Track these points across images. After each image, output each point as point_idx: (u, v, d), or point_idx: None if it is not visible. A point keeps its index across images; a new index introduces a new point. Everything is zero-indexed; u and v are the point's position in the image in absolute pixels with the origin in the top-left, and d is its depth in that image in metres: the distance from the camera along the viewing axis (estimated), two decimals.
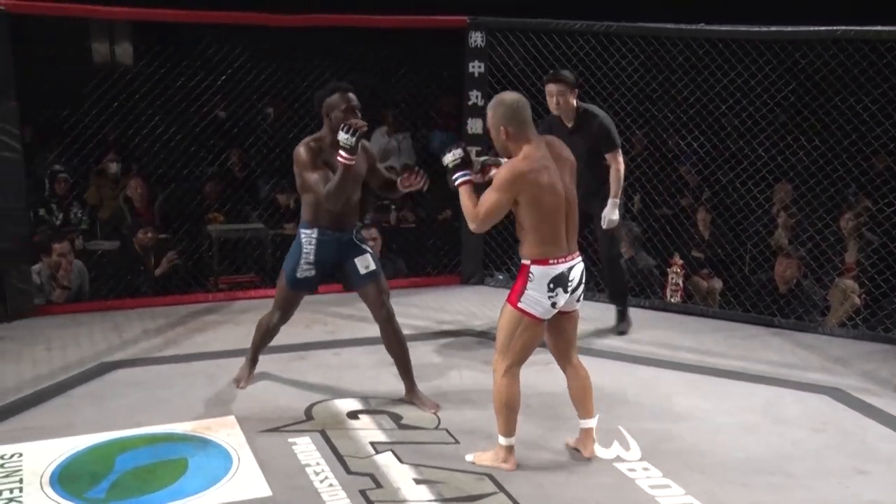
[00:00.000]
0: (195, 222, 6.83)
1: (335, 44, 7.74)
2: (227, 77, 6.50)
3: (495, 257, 6.57)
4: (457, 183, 3.65)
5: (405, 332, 5.40)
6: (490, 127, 3.65)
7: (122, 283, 6.18)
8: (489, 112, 3.65)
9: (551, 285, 3.61)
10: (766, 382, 4.88)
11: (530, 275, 3.61)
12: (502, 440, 3.80)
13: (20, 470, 3.67)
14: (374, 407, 4.40)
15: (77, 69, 9.36)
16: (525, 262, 3.64)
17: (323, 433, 4.07)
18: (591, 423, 3.92)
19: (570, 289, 3.67)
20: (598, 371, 4.89)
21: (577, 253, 3.73)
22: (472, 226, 3.66)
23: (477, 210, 3.59)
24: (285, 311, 4.51)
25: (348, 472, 3.74)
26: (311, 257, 4.30)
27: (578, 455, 3.92)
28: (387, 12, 6.45)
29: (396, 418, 4.28)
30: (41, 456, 3.78)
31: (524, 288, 3.62)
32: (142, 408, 4.30)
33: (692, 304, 6.17)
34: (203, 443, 3.96)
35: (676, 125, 6.66)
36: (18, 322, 5.45)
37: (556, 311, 3.67)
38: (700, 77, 6.10)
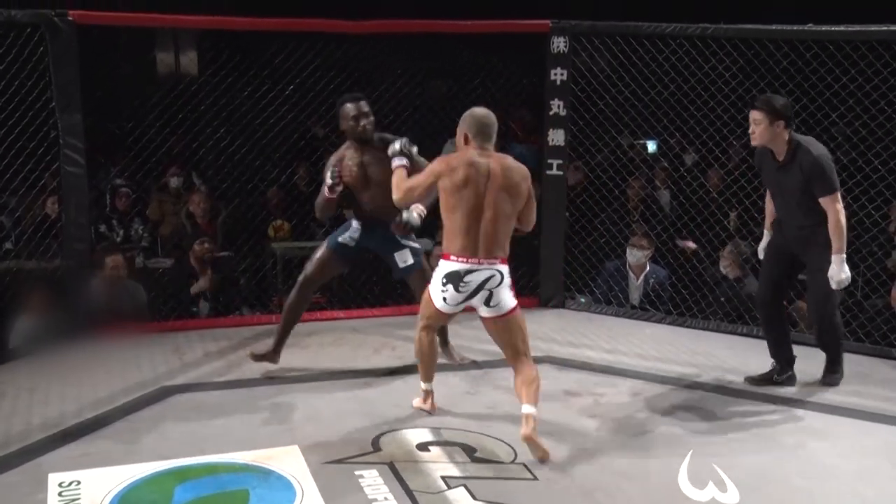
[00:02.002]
0: (259, 239, 6.96)
1: (408, 51, 7.81)
2: (294, 87, 6.61)
3: (577, 278, 6.53)
4: (394, 166, 4.45)
5: (481, 357, 5.43)
6: (457, 132, 4.36)
7: (183, 302, 6.32)
8: (461, 122, 4.35)
9: (444, 280, 4.27)
10: (884, 421, 4.71)
11: (438, 265, 4.34)
12: (422, 384, 4.68)
13: (78, 499, 3.75)
14: (445, 438, 4.39)
15: (141, 80, 9.67)
16: (442, 247, 4.42)
17: (391, 466, 4.08)
18: (530, 409, 4.24)
19: (462, 291, 4.25)
20: (694, 404, 4.86)
21: (493, 262, 4.26)
22: (395, 195, 4.40)
23: (403, 184, 4.37)
24: (317, 270, 5.17)
25: None
26: (357, 235, 5.09)
27: (674, 499, 3.86)
28: (464, 17, 6.49)
29: (469, 451, 4.26)
30: (100, 484, 3.86)
31: (435, 274, 4.37)
32: (203, 435, 4.38)
33: (797, 332, 6.01)
34: (265, 473, 4.01)
35: None
36: (76, 345, 5.58)
37: (450, 306, 4.35)
38: (807, 83, 5.97)
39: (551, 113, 6.34)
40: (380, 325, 6.15)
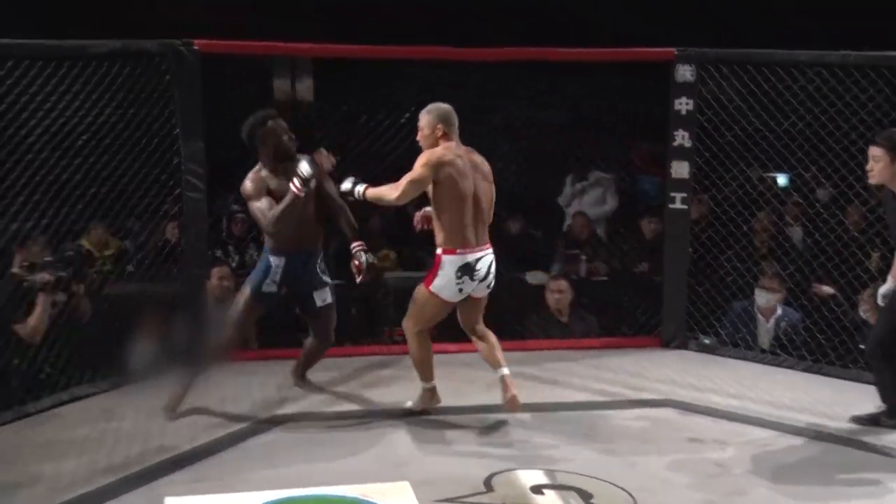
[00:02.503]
0: (370, 269, 6.99)
1: (523, 79, 7.80)
2: (410, 115, 6.66)
3: (701, 318, 6.34)
4: (362, 191, 4.75)
5: (598, 398, 5.33)
6: (424, 126, 4.70)
7: (292, 330, 6.37)
8: (426, 115, 4.69)
9: (459, 273, 4.65)
10: None
11: (442, 263, 4.65)
12: (425, 384, 4.96)
13: None
14: (560, 482, 4.30)
15: (258, 107, 9.90)
16: (438, 251, 4.68)
17: None
18: (505, 370, 4.86)
19: (476, 277, 4.72)
20: (831, 458, 4.64)
21: (487, 246, 4.77)
22: (393, 196, 4.62)
23: (393, 186, 4.62)
24: (245, 318, 5.06)
25: None
26: (278, 277, 4.91)
27: None
28: (582, 45, 6.44)
29: (586, 496, 4.16)
30: None
31: (435, 275, 4.68)
32: (312, 466, 4.40)
33: None
34: None
35: None
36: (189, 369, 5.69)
37: (463, 295, 4.73)
38: None
39: (675, 144, 6.21)
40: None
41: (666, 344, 6.39)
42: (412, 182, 4.60)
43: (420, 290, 4.80)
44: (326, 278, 5.10)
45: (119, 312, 5.56)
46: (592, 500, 4.13)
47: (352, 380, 5.64)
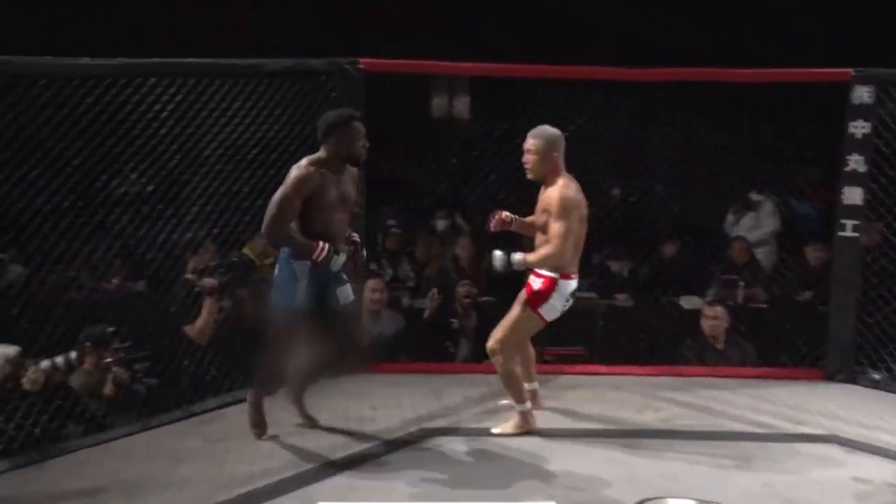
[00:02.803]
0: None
1: (682, 98, 7.69)
2: (569, 135, 6.68)
3: (871, 352, 6.06)
4: (521, 262, 4.83)
5: (755, 429, 5.21)
6: (538, 151, 4.76)
7: (441, 344, 6.47)
8: (539, 140, 4.77)
9: (568, 297, 4.87)
10: None
11: (557, 286, 4.77)
12: (518, 407, 5.01)
13: None
14: None
15: (416, 124, 10.14)
16: (553, 274, 4.77)
17: None
18: (536, 385, 5.36)
19: (570, 300, 4.93)
20: None
21: None
22: (557, 252, 4.71)
23: (556, 243, 4.70)
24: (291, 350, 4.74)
25: None
26: (306, 282, 4.53)
27: None
28: (749, 66, 6.31)
29: None
30: None
31: (547, 298, 4.80)
32: (459, 481, 4.47)
33: None
34: None
35: None
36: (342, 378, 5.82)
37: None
38: None
39: (848, 169, 5.95)
40: (643, 384, 6.04)
41: (830, 377, 6.14)
42: (569, 233, 4.72)
43: (524, 311, 4.89)
44: (346, 276, 4.73)
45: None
46: None
47: (499, 395, 5.64)
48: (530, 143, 4.79)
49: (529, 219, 5.07)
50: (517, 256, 4.81)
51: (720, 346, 6.28)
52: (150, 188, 5.63)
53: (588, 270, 7.65)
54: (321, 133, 4.54)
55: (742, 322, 6.60)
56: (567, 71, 6.30)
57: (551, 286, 4.77)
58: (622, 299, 7.16)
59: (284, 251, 4.52)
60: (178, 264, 5.63)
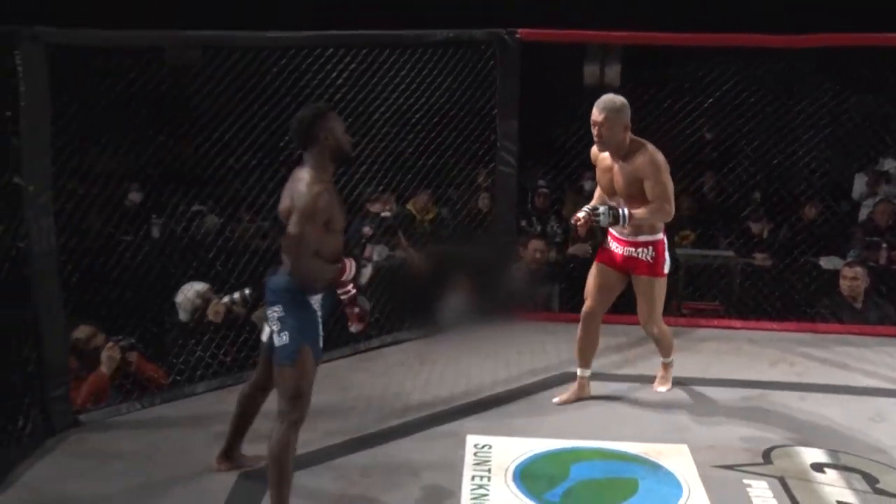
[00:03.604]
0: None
1: (837, 64, 7.31)
2: (714, 100, 6.51)
3: None
4: (625, 222, 4.32)
5: (890, 385, 5.02)
6: (614, 123, 4.24)
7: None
8: (607, 112, 4.23)
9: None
10: None
11: (665, 246, 4.48)
12: (667, 360, 4.94)
13: (489, 460, 4.05)
14: (843, 463, 4.10)
15: (570, 90, 10.06)
16: (658, 236, 4.45)
17: (782, 481, 3.91)
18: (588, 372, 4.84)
19: None
20: None
21: None
22: (668, 217, 4.36)
23: (662, 202, 4.27)
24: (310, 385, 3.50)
25: None
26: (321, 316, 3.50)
27: None
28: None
29: (871, 480, 3.95)
30: (508, 450, 4.14)
31: (663, 260, 4.48)
32: (598, 421, 4.50)
33: None
34: (654, 467, 4.03)
35: None
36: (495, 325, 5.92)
37: None
38: None
39: None
40: (777, 339, 5.87)
41: None
42: (671, 196, 4.34)
43: (657, 284, 4.54)
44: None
45: (436, 270, 5.90)
46: (878, 486, 3.92)
47: (637, 346, 5.60)
48: (598, 116, 4.27)
49: (598, 194, 4.64)
50: (624, 211, 4.32)
51: (858, 305, 6.03)
52: None
53: (728, 231, 7.49)
54: (304, 132, 3.32)
55: (883, 283, 6.30)
56: (715, 38, 6.10)
57: (663, 247, 4.50)
58: (760, 259, 6.95)
59: (280, 290, 3.40)
60: (347, 216, 5.81)
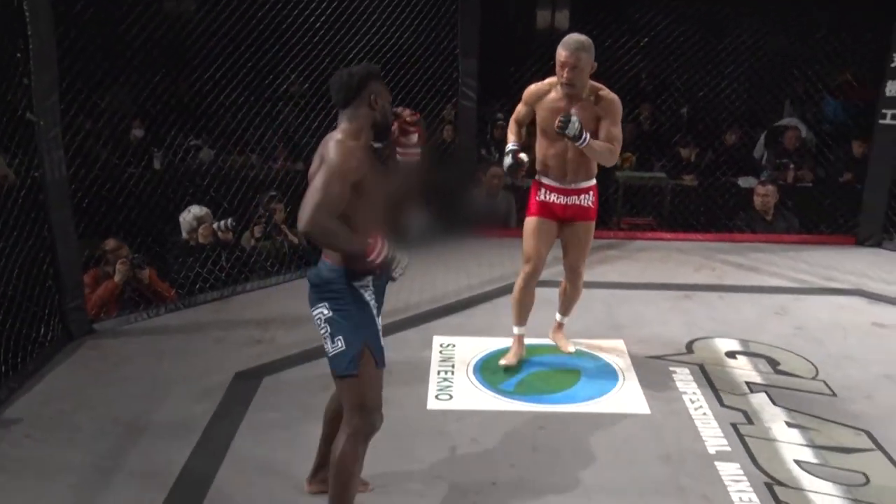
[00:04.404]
0: (607, 170, 6.91)
1: (757, 4, 7.20)
2: (649, 39, 6.41)
3: None
4: (584, 142, 3.49)
5: (793, 284, 5.02)
6: (584, 65, 3.48)
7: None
8: (584, 53, 3.46)
9: None
10: None
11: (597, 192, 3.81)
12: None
13: (453, 357, 4.08)
14: (752, 350, 4.18)
15: (522, 34, 9.85)
16: (594, 181, 3.77)
17: (701, 367, 3.98)
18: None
19: None
20: None
21: None
22: (617, 155, 3.63)
23: (618, 143, 3.59)
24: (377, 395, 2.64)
25: (721, 404, 3.63)
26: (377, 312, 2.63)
27: None
28: None
29: (773, 363, 4.03)
30: (469, 349, 4.16)
31: (597, 205, 3.82)
32: (548, 322, 4.49)
33: None
34: (594, 359, 4.08)
35: None
36: (458, 241, 5.86)
37: None
38: None
39: (893, 65, 5.55)
40: (701, 248, 5.91)
41: (861, 242, 5.90)
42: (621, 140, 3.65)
43: (592, 224, 3.82)
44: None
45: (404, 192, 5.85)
46: (779, 367, 4.00)
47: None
48: (570, 57, 3.45)
49: (516, 132, 3.83)
50: (586, 134, 3.48)
51: (769, 217, 6.07)
52: (306, 86, 5.67)
53: (660, 155, 7.46)
54: (352, 89, 2.53)
55: (789, 198, 6.34)
56: None
57: (596, 190, 3.80)
58: (688, 179, 6.95)
59: (323, 284, 2.55)
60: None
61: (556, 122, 3.46)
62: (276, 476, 3.07)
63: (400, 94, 5.57)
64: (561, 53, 3.49)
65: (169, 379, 3.80)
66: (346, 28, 5.33)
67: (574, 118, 3.44)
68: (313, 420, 3.43)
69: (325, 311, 2.54)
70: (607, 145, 3.58)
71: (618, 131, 3.61)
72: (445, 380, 3.84)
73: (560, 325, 4.16)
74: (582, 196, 3.76)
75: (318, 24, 5.19)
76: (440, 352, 4.13)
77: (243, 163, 5.56)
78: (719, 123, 7.28)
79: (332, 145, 2.49)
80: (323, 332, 2.55)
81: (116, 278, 4.54)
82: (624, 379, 3.86)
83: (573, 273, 3.95)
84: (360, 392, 2.57)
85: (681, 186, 6.83)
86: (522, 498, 2.94)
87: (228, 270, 4.85)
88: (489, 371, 3.92)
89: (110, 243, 4.69)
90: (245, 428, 3.40)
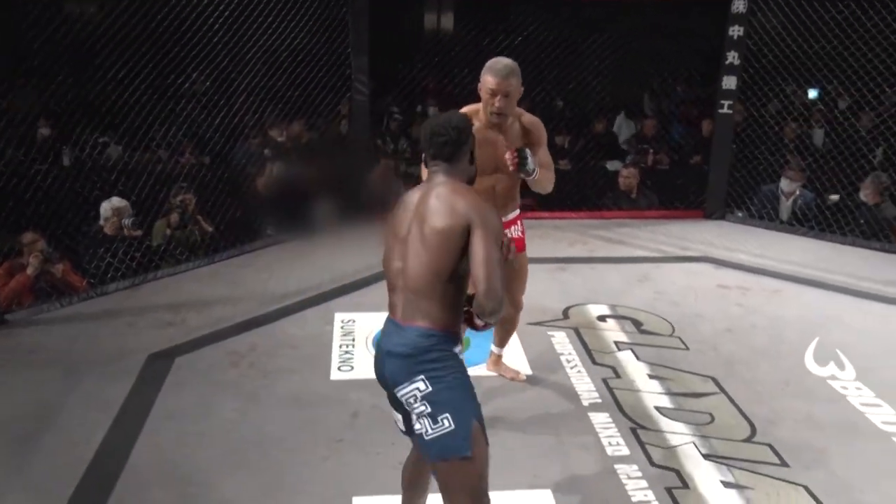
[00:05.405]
0: None
1: (624, 11, 7.39)
2: (523, 38, 6.49)
3: (736, 196, 6.10)
4: (536, 174, 2.93)
5: (653, 254, 5.23)
6: (514, 90, 2.88)
7: None
8: (516, 79, 2.87)
9: None
10: None
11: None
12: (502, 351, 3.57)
13: (353, 331, 4.05)
14: (619, 313, 4.34)
15: (411, 34, 9.81)
16: (518, 211, 3.28)
17: (576, 330, 4.10)
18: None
19: None
20: (825, 301, 4.51)
21: None
22: (553, 180, 3.08)
23: (551, 168, 3.07)
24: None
25: (594, 363, 3.75)
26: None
27: (799, 372, 3.65)
28: None
29: (637, 324, 4.20)
30: (369, 323, 4.13)
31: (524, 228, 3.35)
32: None
33: None
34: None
35: None
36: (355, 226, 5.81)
37: None
38: None
39: (727, 62, 5.83)
40: (575, 225, 6.06)
41: (708, 216, 6.18)
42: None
43: (524, 255, 3.42)
44: None
45: (307, 183, 5.76)
46: (642, 327, 4.16)
47: None
48: (511, 83, 2.87)
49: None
50: (536, 166, 2.94)
51: (633, 196, 6.27)
52: (207, 84, 5.48)
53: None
54: (454, 147, 2.12)
55: (650, 179, 6.58)
56: None
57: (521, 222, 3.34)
58: (562, 164, 7.09)
59: (419, 354, 2.03)
60: (231, 141, 5.54)
61: (510, 158, 2.82)
62: (191, 450, 2.99)
63: (297, 92, 5.47)
64: (489, 80, 2.88)
65: (83, 363, 3.63)
66: (244, 29, 5.17)
67: (529, 154, 2.86)
68: (225, 396, 3.38)
69: (423, 387, 1.99)
70: (551, 174, 3.06)
71: (548, 155, 3.10)
72: (347, 352, 3.81)
73: (499, 358, 3.61)
74: (512, 228, 3.24)
75: (216, 26, 5.02)
76: (341, 327, 4.09)
77: (149, 158, 5.33)
78: (587, 114, 7.48)
79: (481, 204, 2.02)
80: (420, 411, 1.99)
81: (29, 271, 4.28)
82: (508, 343, 3.92)
83: (514, 306, 3.40)
84: (474, 474, 2.01)
85: (557, 170, 6.95)
86: None
87: (139, 259, 4.66)
88: None
89: (27, 236, 4.41)
90: (159, 406, 3.30)
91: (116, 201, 4.77)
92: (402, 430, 2.15)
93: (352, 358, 3.76)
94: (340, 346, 3.87)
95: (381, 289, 4.54)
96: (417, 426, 2.00)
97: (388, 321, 2.14)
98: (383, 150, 7.47)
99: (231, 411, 3.27)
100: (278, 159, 5.73)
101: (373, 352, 3.77)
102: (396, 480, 2.42)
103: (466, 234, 2.00)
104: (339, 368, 3.66)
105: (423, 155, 2.18)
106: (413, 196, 2.15)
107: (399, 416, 2.13)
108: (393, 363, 2.04)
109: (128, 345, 3.81)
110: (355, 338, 3.97)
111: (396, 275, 2.11)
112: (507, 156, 2.85)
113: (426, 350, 2.00)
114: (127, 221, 4.69)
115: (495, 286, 1.95)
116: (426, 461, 2.05)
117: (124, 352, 3.74)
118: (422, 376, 1.99)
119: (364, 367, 3.67)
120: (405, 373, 2.01)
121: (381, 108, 8.22)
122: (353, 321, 4.17)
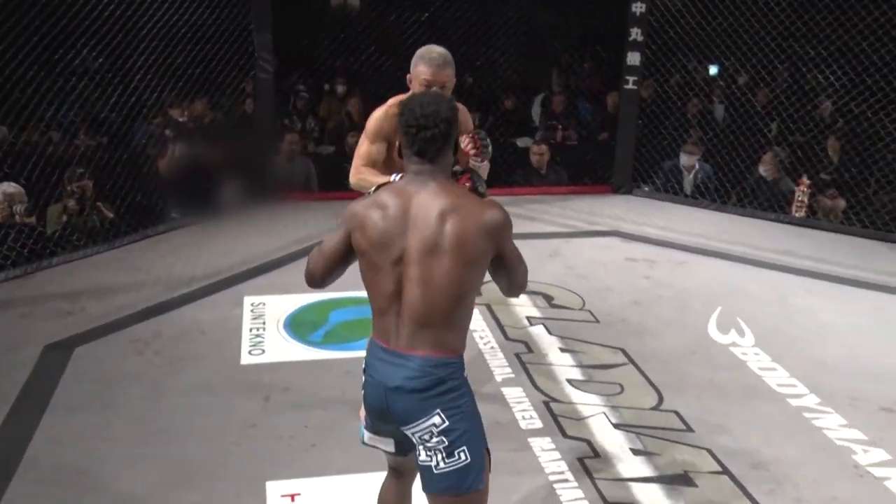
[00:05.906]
0: None
1: None
2: (429, 14, 6.46)
3: (643, 171, 6.29)
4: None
5: (563, 229, 5.32)
6: (450, 81, 2.59)
7: (339, 179, 6.37)
8: (451, 69, 2.59)
9: None
10: (878, 289, 4.50)
11: None
12: None
13: (263, 314, 3.98)
14: (531, 289, 4.37)
15: (317, 10, 9.60)
16: None
17: (489, 307, 4.14)
18: None
19: None
20: (726, 272, 4.72)
21: None
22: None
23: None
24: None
25: (507, 338, 3.81)
26: None
27: (703, 341, 3.81)
28: None
29: (549, 299, 4.28)
30: (279, 306, 4.07)
31: None
32: (352, 276, 4.50)
33: (815, 220, 5.70)
34: None
35: (816, 60, 6.05)
36: (264, 207, 5.70)
37: None
38: (844, 16, 5.46)
39: (630, 39, 5.98)
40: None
41: (615, 190, 6.34)
42: None
43: None
44: None
45: (212, 164, 5.59)
46: (553, 301, 4.25)
47: None
48: (447, 75, 2.58)
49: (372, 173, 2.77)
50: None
51: (543, 172, 6.37)
52: (99, 61, 5.21)
53: None
54: (442, 141, 1.88)
55: (559, 155, 6.69)
56: None
57: None
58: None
59: (435, 386, 1.83)
60: (128, 121, 5.30)
61: (472, 143, 2.59)
62: (92, 443, 2.87)
63: (198, 70, 5.27)
64: (423, 71, 2.57)
65: None
66: (139, 2, 4.94)
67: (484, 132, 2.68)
68: (129, 386, 3.26)
69: (439, 421, 1.80)
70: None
71: None
72: (257, 336, 3.75)
73: None
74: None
75: None
76: (251, 311, 4.01)
77: (40, 139, 5.03)
78: (494, 90, 7.52)
79: (480, 206, 1.86)
80: (433, 445, 1.81)
81: None
82: None
83: None
84: None
85: None
86: (334, 438, 2.95)
87: (31, 247, 4.41)
88: (298, 325, 3.87)
89: None
90: (58, 398, 3.15)
91: (7, 186, 4.50)
92: (389, 452, 1.97)
93: (262, 342, 3.69)
94: (251, 330, 3.80)
95: (291, 270, 4.56)
96: (425, 458, 1.81)
97: (380, 349, 1.89)
98: (290, 128, 7.32)
99: (136, 400, 3.16)
100: (180, 140, 5.52)
101: (285, 335, 3.73)
102: (310, 464, 2.40)
103: (496, 251, 1.87)
104: (249, 352, 3.59)
105: (398, 146, 1.90)
106: (399, 205, 1.83)
107: (390, 441, 1.93)
108: (404, 400, 1.82)
109: (21, 336, 3.63)
110: (266, 321, 3.90)
111: (391, 300, 1.86)
112: (466, 140, 2.58)
113: (441, 381, 1.81)
114: (19, 208, 4.44)
115: (522, 282, 2.02)
116: (427, 490, 1.86)
117: (18, 343, 3.55)
118: (438, 410, 1.80)
119: (276, 350, 3.61)
120: (419, 409, 1.81)
121: (287, 87, 8.06)
122: (264, 304, 4.09)
